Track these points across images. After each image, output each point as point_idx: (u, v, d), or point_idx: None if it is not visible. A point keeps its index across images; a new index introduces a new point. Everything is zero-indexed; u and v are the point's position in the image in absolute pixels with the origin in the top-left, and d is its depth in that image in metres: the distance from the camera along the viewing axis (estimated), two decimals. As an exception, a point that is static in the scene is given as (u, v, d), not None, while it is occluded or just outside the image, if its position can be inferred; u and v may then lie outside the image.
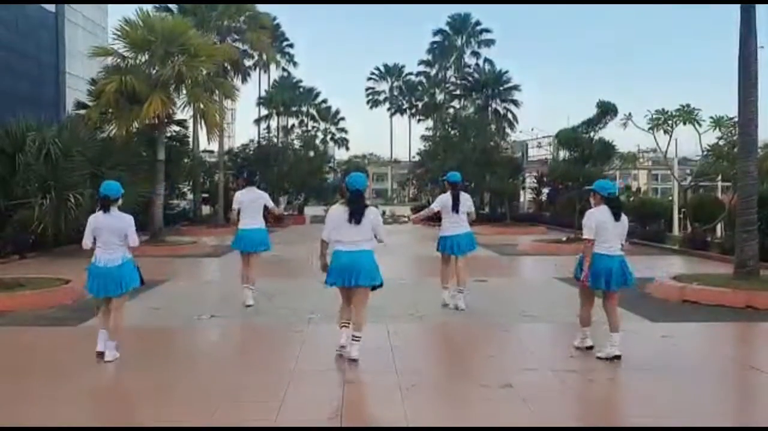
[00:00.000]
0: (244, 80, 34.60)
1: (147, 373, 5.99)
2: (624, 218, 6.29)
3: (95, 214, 6.17)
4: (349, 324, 6.12)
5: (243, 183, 9.47)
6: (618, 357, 6.01)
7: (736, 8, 9.89)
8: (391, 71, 65.41)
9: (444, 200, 8.76)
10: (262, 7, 31.00)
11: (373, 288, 6.16)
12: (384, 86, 65.90)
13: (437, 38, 51.54)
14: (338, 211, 6.12)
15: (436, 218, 9.27)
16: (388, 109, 65.98)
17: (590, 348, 6.37)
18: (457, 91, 48.97)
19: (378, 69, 65.88)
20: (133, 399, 5.10)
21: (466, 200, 8.78)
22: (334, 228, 6.08)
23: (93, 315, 8.14)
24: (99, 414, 4.72)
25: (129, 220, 6.16)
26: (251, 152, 33.39)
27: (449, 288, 8.82)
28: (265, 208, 9.05)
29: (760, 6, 9.88)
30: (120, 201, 6.24)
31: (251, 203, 8.86)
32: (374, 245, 6.17)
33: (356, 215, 5.99)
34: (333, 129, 56.42)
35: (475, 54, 50.26)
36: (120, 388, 5.38)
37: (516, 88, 45.13)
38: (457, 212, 8.65)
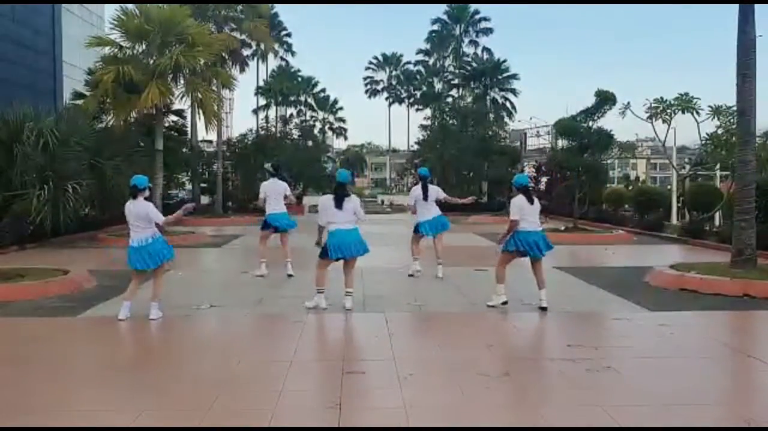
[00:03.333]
0: (242, 70, 34.41)
1: (146, 362, 6.02)
2: (536, 201, 8.01)
3: (129, 201, 7.33)
4: (325, 290, 7.78)
5: (269, 175, 10.94)
6: (545, 309, 7.73)
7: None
8: (390, 60, 65.13)
9: (415, 191, 10.61)
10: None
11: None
12: (382, 76, 65.70)
13: (435, 27, 51.30)
14: (328, 199, 7.82)
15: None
16: (387, 98, 65.74)
17: (505, 303, 7.88)
18: (456, 81, 48.89)
19: (376, 58, 65.67)
20: (132, 388, 5.11)
21: (433, 190, 10.57)
22: (325, 212, 7.72)
23: (91, 306, 8.19)
24: (97, 404, 4.73)
25: (148, 206, 7.28)
26: (250, 142, 33.27)
27: (419, 260, 10.54)
28: (285, 197, 10.57)
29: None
30: (147, 192, 7.36)
31: (274, 192, 10.43)
32: (359, 225, 7.83)
33: (339, 202, 7.69)
34: (331, 119, 56.35)
35: (474, 43, 50.09)
36: (119, 377, 5.39)
37: (514, 77, 45.08)
38: (426, 200, 10.40)
